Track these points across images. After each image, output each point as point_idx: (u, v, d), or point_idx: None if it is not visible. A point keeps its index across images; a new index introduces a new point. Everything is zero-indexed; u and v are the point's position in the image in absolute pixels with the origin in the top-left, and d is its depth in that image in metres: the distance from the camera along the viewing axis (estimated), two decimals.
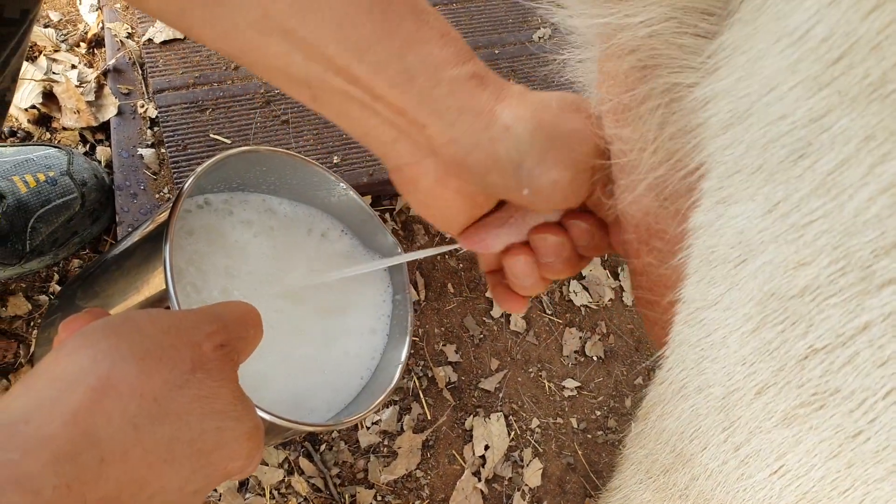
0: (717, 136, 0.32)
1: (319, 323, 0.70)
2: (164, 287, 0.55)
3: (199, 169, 0.62)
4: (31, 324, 1.06)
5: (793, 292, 0.31)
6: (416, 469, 1.11)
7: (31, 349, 1.05)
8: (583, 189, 0.48)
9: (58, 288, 1.08)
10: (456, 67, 0.46)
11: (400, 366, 0.69)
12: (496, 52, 1.28)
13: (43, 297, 1.08)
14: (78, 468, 0.33)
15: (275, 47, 0.45)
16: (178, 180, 1.08)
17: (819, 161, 0.28)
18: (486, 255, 0.58)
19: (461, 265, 1.25)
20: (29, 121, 1.14)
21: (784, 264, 0.31)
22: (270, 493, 1.04)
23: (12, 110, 1.13)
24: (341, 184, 0.72)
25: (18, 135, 1.13)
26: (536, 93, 0.48)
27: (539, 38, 1.30)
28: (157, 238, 0.58)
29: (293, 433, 0.63)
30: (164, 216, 0.59)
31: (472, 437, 1.15)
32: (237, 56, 0.47)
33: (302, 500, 1.05)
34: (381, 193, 1.22)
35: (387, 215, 1.23)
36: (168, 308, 0.55)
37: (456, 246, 0.57)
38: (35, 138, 1.14)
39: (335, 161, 1.14)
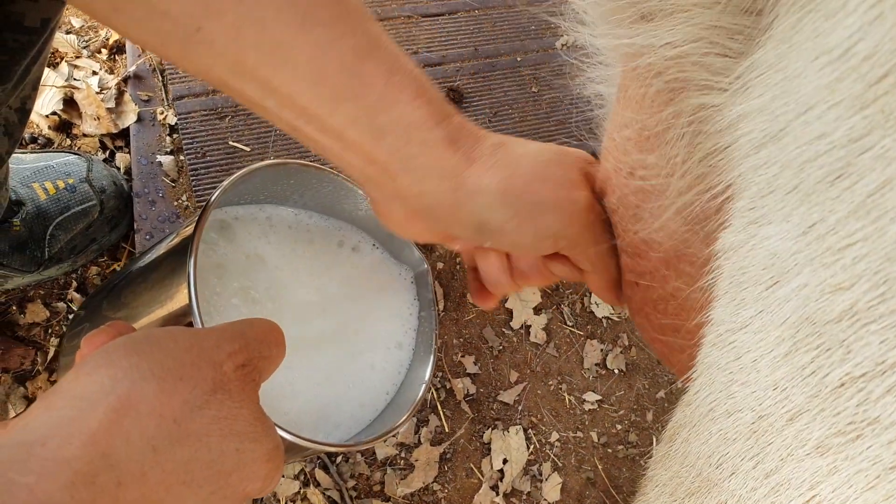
0: (749, 155, 0.31)
1: (346, 336, 0.70)
2: (188, 302, 0.55)
3: (225, 182, 0.61)
4: (49, 331, 1.06)
5: (829, 317, 0.29)
6: (433, 482, 1.10)
7: (49, 356, 1.05)
8: (545, 249, 0.51)
9: (76, 295, 1.08)
10: (427, 130, 0.46)
11: (424, 385, 0.69)
12: (518, 59, 1.27)
13: (61, 305, 1.08)
14: (95, 492, 0.33)
15: (249, 92, 0.46)
16: (197, 188, 1.07)
17: (859, 182, 0.27)
18: (466, 251, 0.60)
19: None
20: (50, 127, 1.14)
21: (820, 288, 0.29)
22: None
23: (34, 117, 1.13)
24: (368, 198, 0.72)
25: (39, 141, 1.13)
26: (512, 150, 0.49)
27: (562, 45, 1.29)
28: (182, 252, 0.57)
29: (312, 452, 0.63)
30: (189, 229, 0.59)
31: (490, 450, 1.14)
32: (219, 87, 0.48)
33: None
34: None
35: None
36: (191, 324, 0.54)
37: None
38: (56, 145, 1.14)
39: None
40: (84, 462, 0.33)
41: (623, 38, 0.37)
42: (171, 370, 0.38)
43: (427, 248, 1.22)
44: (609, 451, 1.19)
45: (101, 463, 0.34)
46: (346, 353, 0.69)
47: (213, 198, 0.60)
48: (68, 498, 0.32)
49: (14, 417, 0.37)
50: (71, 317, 1.07)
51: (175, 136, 1.12)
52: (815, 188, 0.29)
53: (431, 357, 0.71)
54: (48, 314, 1.07)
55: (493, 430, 1.15)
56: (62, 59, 1.19)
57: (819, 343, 0.30)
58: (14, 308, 1.06)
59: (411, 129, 0.46)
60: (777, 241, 0.30)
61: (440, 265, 1.22)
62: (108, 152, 1.16)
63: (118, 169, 1.13)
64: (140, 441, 0.35)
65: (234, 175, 0.62)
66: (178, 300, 0.57)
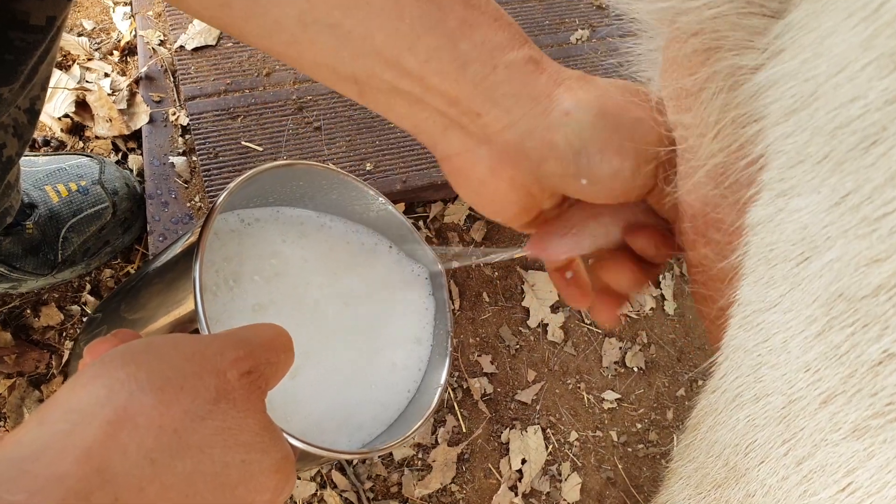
0: (779, 123, 0.29)
1: (365, 334, 0.69)
2: (194, 307, 0.53)
3: (231, 184, 0.60)
4: (64, 334, 1.06)
5: (864, 292, 0.28)
6: (451, 483, 1.08)
7: (64, 360, 1.04)
8: (644, 181, 0.45)
9: (90, 298, 1.07)
10: (511, 52, 0.44)
11: (440, 389, 0.67)
12: None
13: (75, 308, 1.07)
14: None
15: (320, 43, 0.43)
16: (210, 188, 1.07)
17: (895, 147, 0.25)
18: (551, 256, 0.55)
19: (496, 273, 1.22)
20: (62, 130, 1.14)
21: (854, 261, 0.28)
22: None
23: (46, 119, 1.13)
24: (380, 198, 0.71)
25: (52, 144, 1.13)
26: (597, 78, 0.46)
27: (577, 39, 1.27)
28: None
29: (326, 460, 0.61)
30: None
31: (508, 450, 1.12)
32: (281, 53, 0.46)
33: None
34: (414, 200, 1.20)
35: (420, 223, 1.21)
36: (197, 331, 0.53)
37: (521, 252, 0.55)
38: (68, 147, 1.14)
39: (368, 168, 1.12)
40: (78, 478, 0.31)
41: (659, 2, 0.36)
42: (171, 380, 0.37)
43: (444, 247, 1.21)
44: (629, 450, 1.17)
45: (96, 479, 0.32)
46: (367, 351, 0.68)
47: (219, 200, 0.59)
48: None
49: (7, 433, 0.36)
50: (85, 320, 1.07)
51: (187, 136, 1.12)
52: (848, 156, 0.27)
53: (447, 360, 0.70)
54: (62, 317, 1.06)
55: (511, 429, 1.13)
56: (74, 61, 1.19)
57: (854, 320, 0.29)
58: (28, 311, 1.06)
59: (495, 53, 0.43)
60: (807, 213, 0.29)
61: (455, 263, 1.20)
62: (120, 154, 1.15)
63: (131, 171, 1.12)
64: (138, 454, 0.33)
65: (241, 177, 0.61)
66: (187, 305, 0.56)
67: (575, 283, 0.56)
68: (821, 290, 0.29)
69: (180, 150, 1.11)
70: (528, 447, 1.12)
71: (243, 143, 1.10)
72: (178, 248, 0.63)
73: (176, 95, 1.15)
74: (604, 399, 1.19)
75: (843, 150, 0.27)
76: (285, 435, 0.48)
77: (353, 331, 0.68)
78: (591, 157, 0.44)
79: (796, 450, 0.31)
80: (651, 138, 0.44)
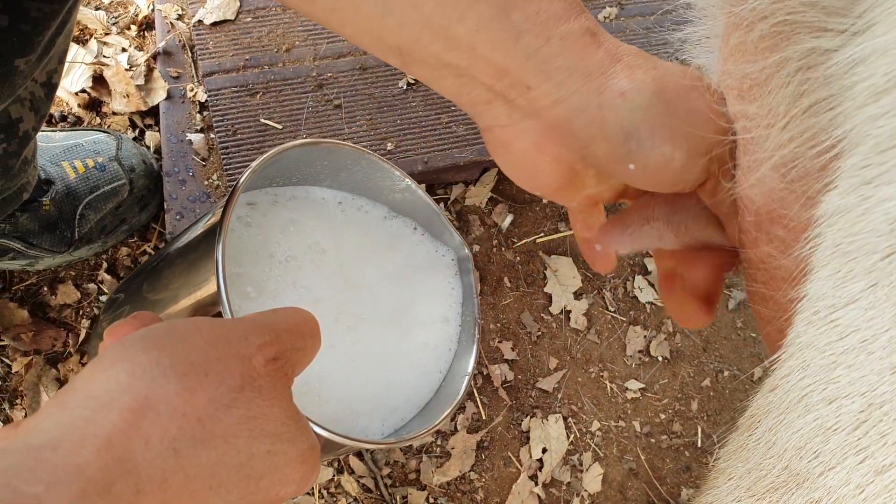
0: (866, 105, 0.26)
1: (395, 315, 0.68)
2: (217, 290, 0.51)
3: (254, 163, 0.58)
4: (80, 312, 1.05)
5: None
6: (469, 471, 1.07)
7: (81, 338, 1.03)
8: (695, 173, 0.43)
9: (107, 277, 1.06)
10: (567, 22, 0.41)
11: (467, 377, 0.66)
12: None
13: (92, 286, 1.06)
14: (110, 502, 0.30)
15: (367, 8, 0.41)
16: (228, 166, 1.04)
17: None
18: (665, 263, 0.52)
19: (518, 258, 1.20)
20: (79, 105, 1.12)
21: None
22: (319, 492, 1.01)
23: (63, 94, 1.11)
24: (406, 179, 0.68)
25: (69, 119, 1.11)
26: (656, 59, 0.43)
27: (606, 17, 1.24)
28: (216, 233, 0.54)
29: (349, 449, 0.60)
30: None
31: (528, 438, 1.10)
32: (324, 19, 0.43)
33: (352, 500, 1.01)
34: (435, 182, 1.18)
35: (441, 205, 1.18)
36: (220, 314, 0.51)
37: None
38: (85, 123, 1.12)
39: (389, 148, 1.09)
40: (98, 468, 0.30)
41: None
42: (195, 365, 0.35)
43: (465, 231, 1.19)
44: (652, 441, 1.15)
45: (117, 469, 0.30)
46: (396, 333, 0.67)
47: (241, 180, 0.57)
48: None
49: (25, 418, 0.34)
50: (104, 299, 1.05)
51: (205, 113, 1.09)
52: None
53: (474, 347, 0.68)
54: (79, 295, 1.05)
55: (531, 418, 1.11)
56: (91, 35, 1.17)
57: None
58: (45, 289, 1.04)
59: (550, 23, 0.40)
60: None
61: (476, 248, 1.18)
62: (137, 130, 1.13)
63: (148, 147, 1.10)
64: (160, 444, 0.32)
65: (264, 156, 0.59)
66: (210, 286, 0.54)
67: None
68: None
69: (198, 127, 1.08)
70: (548, 436, 1.10)
71: (262, 120, 1.08)
72: (200, 228, 0.61)
73: (194, 71, 1.13)
74: (627, 388, 1.16)
75: None
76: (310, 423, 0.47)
77: (382, 312, 0.67)
78: (642, 142, 0.41)
79: (875, 458, 0.29)
80: (708, 129, 0.41)
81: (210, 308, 0.54)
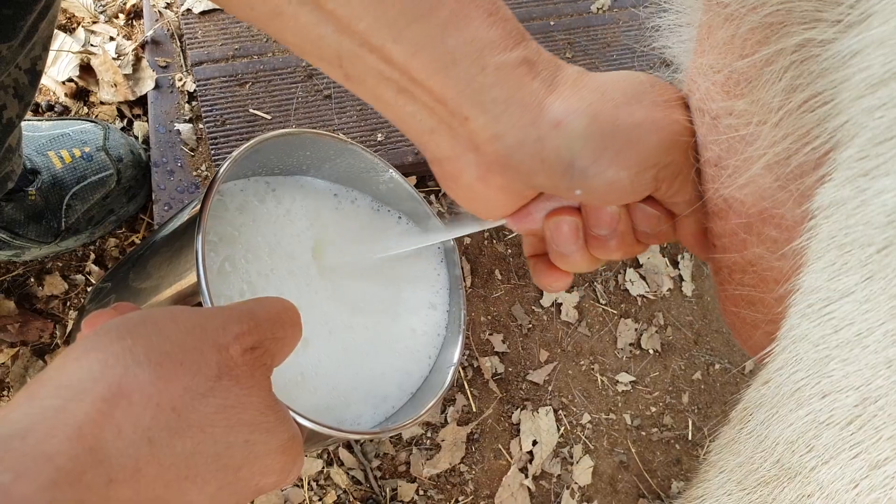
0: (863, 96, 0.26)
1: (380, 303, 0.67)
2: (196, 280, 0.51)
3: (235, 153, 0.58)
4: (68, 303, 1.04)
5: None
6: (459, 463, 1.06)
7: (68, 329, 1.02)
8: (644, 186, 0.42)
9: (94, 268, 1.05)
10: (503, 52, 0.40)
11: (452, 368, 0.66)
12: (551, 23, 1.21)
13: (79, 277, 1.05)
14: (81, 491, 0.29)
15: (304, 17, 0.40)
16: (216, 157, 1.03)
17: None
18: (530, 238, 0.53)
19: (509, 251, 1.19)
20: (66, 94, 1.10)
21: None
22: (309, 484, 1.00)
23: (50, 83, 1.10)
24: (390, 170, 0.68)
25: (56, 109, 1.10)
26: (596, 77, 0.43)
27: (597, 8, 1.23)
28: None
29: (336, 440, 0.59)
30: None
31: (519, 431, 1.10)
32: (264, 24, 0.42)
33: (341, 492, 1.01)
34: (426, 174, 1.17)
35: (432, 197, 1.18)
36: (200, 304, 0.50)
37: (502, 223, 0.51)
38: (72, 112, 1.11)
39: (379, 139, 1.09)
40: (68, 458, 0.29)
41: None
42: (170, 354, 0.35)
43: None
44: (643, 433, 1.14)
45: (88, 458, 0.30)
46: (385, 319, 0.67)
47: (221, 170, 0.57)
48: (49, 499, 0.28)
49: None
50: (90, 289, 1.04)
51: (194, 103, 1.08)
52: None
53: (460, 338, 0.68)
54: (66, 287, 1.04)
55: (522, 410, 1.11)
56: (78, 24, 1.16)
57: None
58: (32, 280, 1.04)
59: (485, 52, 0.40)
60: (894, 196, 0.26)
61: (467, 240, 1.17)
62: (125, 120, 1.12)
63: (136, 137, 1.09)
64: (133, 433, 0.31)
65: (245, 145, 0.58)
66: (191, 276, 0.53)
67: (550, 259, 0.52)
68: None
69: (187, 117, 1.07)
70: (539, 428, 1.10)
71: (251, 110, 1.07)
72: (185, 216, 0.60)
73: (182, 60, 1.12)
74: (618, 381, 1.16)
75: None
76: (292, 414, 0.46)
77: (370, 299, 0.67)
78: (585, 170, 0.41)
79: (870, 453, 0.28)
80: (650, 143, 0.41)
81: (191, 298, 0.54)
